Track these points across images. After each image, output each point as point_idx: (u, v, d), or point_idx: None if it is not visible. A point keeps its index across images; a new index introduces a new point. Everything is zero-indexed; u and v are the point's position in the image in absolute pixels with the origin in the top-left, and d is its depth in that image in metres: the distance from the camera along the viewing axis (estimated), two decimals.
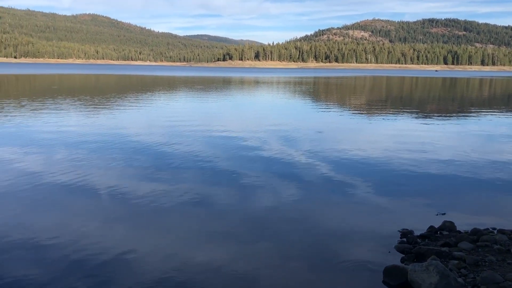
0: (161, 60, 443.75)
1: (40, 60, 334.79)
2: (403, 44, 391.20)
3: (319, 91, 48.75)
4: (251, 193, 9.28)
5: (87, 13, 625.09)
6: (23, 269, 5.76)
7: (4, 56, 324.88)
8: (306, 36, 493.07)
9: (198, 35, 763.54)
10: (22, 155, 12.46)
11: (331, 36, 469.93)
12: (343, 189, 9.68)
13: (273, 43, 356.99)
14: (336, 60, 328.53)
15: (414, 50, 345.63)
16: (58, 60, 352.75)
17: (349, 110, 28.43)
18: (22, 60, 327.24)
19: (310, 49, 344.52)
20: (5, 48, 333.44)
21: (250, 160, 12.39)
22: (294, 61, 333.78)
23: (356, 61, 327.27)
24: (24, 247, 6.39)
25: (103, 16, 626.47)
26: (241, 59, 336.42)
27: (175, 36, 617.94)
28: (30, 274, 5.65)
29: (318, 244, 6.78)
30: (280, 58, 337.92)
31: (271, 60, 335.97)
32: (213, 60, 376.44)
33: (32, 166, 11.13)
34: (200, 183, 9.99)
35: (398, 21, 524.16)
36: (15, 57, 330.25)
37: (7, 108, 24.60)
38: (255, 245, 6.70)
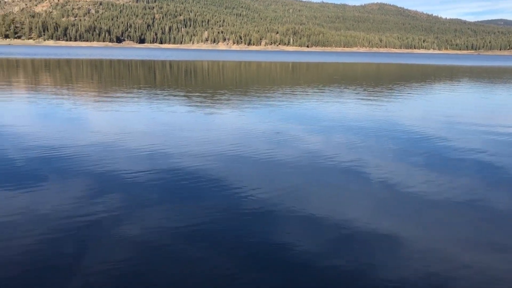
0: (446, 48, 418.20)
1: (328, 49, 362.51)
2: None
3: None
4: None
5: (375, 2, 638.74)
6: (299, 235, 6.49)
7: (299, 45, 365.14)
8: None
9: (491, 20, 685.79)
10: (305, 135, 13.96)
11: None
12: None
13: None
14: None
15: None
16: (344, 48, 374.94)
17: None
18: (313, 48, 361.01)
19: None
20: (300, 38, 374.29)
21: None
22: None
23: None
24: (300, 217, 7.18)
25: (390, 5, 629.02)
26: None
27: (464, 22, 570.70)
28: (304, 240, 6.32)
29: None
30: None
31: None
32: (507, 48, 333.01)
33: (311, 146, 12.34)
34: (479, 182, 9.15)
35: None
36: (307, 46, 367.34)
37: (295, 92, 27.85)
38: None
